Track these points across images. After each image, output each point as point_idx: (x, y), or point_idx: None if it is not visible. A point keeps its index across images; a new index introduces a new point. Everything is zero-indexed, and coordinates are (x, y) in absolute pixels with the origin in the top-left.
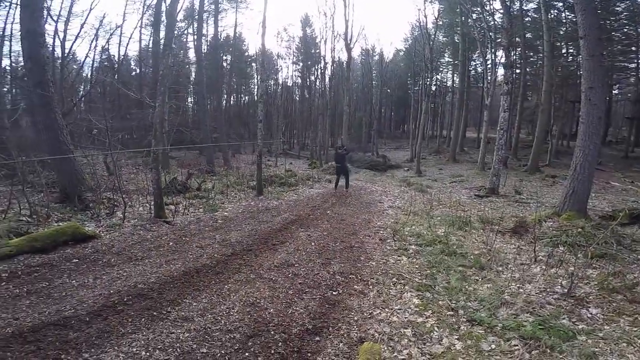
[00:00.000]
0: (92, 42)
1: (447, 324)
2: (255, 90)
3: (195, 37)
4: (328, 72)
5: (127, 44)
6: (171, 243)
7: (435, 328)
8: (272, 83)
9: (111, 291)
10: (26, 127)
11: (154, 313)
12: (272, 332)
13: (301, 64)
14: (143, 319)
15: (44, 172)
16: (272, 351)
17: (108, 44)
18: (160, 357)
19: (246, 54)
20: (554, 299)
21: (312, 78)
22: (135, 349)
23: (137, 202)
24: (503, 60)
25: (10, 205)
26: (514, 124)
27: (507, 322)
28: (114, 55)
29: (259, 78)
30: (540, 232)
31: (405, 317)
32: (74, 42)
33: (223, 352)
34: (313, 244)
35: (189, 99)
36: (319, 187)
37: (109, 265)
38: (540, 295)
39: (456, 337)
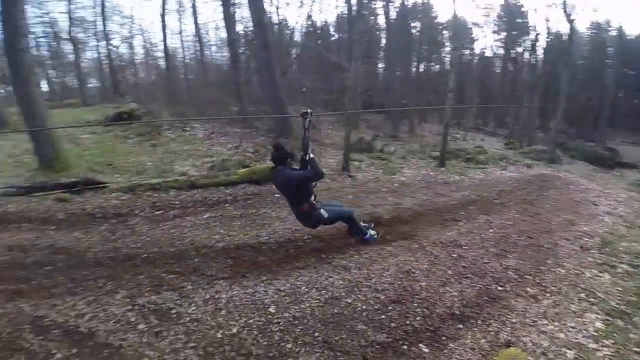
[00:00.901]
0: (298, 9)
1: None
2: (447, 59)
3: (384, 3)
4: (541, 44)
5: (326, 10)
6: (350, 196)
7: None
8: (466, 52)
9: (294, 228)
10: (255, 83)
11: (322, 255)
12: (415, 305)
13: (504, 33)
14: (313, 258)
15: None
16: (408, 322)
17: (311, 11)
18: (314, 295)
19: (436, 21)
20: None
21: (519, 50)
22: (299, 283)
23: (329, 154)
24: None
25: (241, 143)
26: None
27: None
28: (316, 22)
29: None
30: None
31: (576, 338)
32: (285, 9)
33: (364, 307)
34: (491, 230)
35: (380, 65)
36: (514, 171)
37: None
38: None
39: None
